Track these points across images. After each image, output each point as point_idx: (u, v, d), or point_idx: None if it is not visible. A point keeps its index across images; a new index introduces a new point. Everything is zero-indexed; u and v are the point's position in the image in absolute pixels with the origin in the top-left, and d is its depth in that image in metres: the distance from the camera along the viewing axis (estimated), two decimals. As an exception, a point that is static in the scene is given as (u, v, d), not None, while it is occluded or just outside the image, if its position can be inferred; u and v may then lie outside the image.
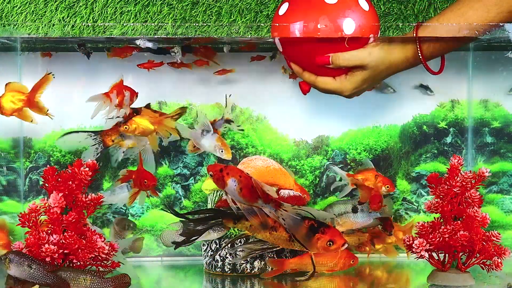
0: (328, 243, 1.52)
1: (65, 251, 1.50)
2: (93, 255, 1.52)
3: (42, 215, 1.52)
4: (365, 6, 1.57)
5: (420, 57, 1.54)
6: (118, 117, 1.77)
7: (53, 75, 1.68)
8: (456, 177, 1.61)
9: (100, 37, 1.82)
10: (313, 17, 1.53)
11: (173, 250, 1.86)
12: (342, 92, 1.59)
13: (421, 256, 1.61)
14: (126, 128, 1.74)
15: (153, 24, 1.85)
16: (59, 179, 1.54)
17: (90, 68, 1.91)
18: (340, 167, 1.96)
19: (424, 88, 1.96)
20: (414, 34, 1.54)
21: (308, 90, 1.65)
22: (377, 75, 1.57)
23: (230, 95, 1.86)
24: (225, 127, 1.87)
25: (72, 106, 1.92)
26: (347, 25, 1.53)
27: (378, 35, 1.59)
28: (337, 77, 1.58)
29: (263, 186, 1.50)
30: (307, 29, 1.53)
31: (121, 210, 1.95)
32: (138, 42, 1.70)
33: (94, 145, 1.79)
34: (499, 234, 1.60)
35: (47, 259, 1.49)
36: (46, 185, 1.55)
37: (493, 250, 1.59)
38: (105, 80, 1.84)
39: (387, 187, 1.78)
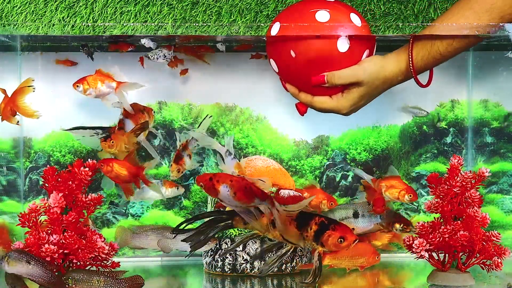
0: (339, 239, 1.50)
1: (65, 251, 1.50)
2: (93, 255, 1.52)
3: (42, 215, 1.52)
4: (357, 21, 1.55)
5: (412, 69, 1.54)
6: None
7: (33, 89, 1.67)
8: (456, 177, 1.61)
9: (105, 35, 1.82)
10: (306, 38, 1.51)
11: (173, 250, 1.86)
12: (340, 110, 1.58)
13: (421, 256, 1.61)
14: (112, 143, 1.74)
15: (153, 24, 1.85)
16: (59, 179, 1.54)
17: (90, 68, 1.91)
18: (340, 167, 1.97)
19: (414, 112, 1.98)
20: (410, 47, 1.53)
21: (305, 111, 1.63)
22: (373, 90, 1.56)
23: (210, 116, 1.84)
24: (195, 146, 1.84)
25: (72, 106, 1.92)
26: (341, 43, 1.52)
27: (374, 50, 1.58)
28: (333, 95, 1.57)
29: (256, 183, 1.48)
30: (300, 48, 1.52)
31: (121, 210, 1.95)
32: (143, 41, 1.70)
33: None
34: (499, 234, 1.60)
35: (47, 259, 1.49)
36: (46, 185, 1.55)
37: (493, 250, 1.59)
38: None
39: (410, 195, 1.76)
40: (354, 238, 1.50)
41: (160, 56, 1.79)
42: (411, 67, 1.53)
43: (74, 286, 1.47)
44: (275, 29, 1.56)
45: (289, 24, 1.53)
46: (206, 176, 1.47)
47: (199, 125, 1.82)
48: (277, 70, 1.60)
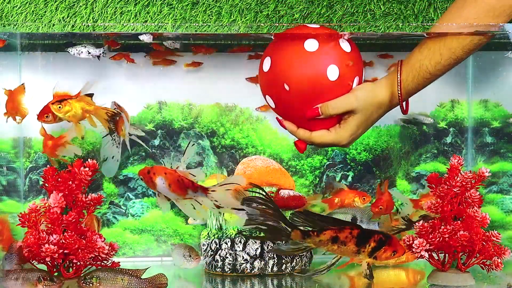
0: (393, 253, 1.58)
1: (65, 251, 1.50)
2: (93, 255, 1.52)
3: (42, 215, 1.52)
4: (347, 47, 1.53)
5: (399, 94, 1.54)
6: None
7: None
8: (456, 177, 1.61)
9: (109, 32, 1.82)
10: (297, 69, 1.50)
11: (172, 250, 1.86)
12: (340, 142, 1.57)
13: (421, 256, 1.61)
14: (59, 107, 1.69)
15: (153, 24, 1.86)
16: (59, 179, 1.54)
17: (91, 67, 1.91)
18: (340, 167, 1.97)
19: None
20: (399, 71, 1.54)
21: (305, 148, 1.61)
22: (368, 117, 1.56)
23: (193, 144, 1.82)
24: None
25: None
26: (331, 72, 1.50)
27: (363, 75, 1.57)
28: (331, 128, 1.56)
29: (187, 176, 1.55)
30: (292, 81, 1.50)
31: (121, 210, 1.95)
32: (141, 37, 1.69)
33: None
34: (499, 234, 1.60)
35: (47, 259, 1.50)
36: (46, 185, 1.55)
37: (493, 250, 1.59)
38: (106, 80, 1.85)
39: (364, 198, 1.83)
40: (404, 251, 1.60)
41: (82, 52, 1.78)
42: (398, 92, 1.54)
43: (98, 285, 1.47)
44: (266, 65, 1.54)
45: (279, 57, 1.52)
46: (145, 170, 1.56)
47: (184, 153, 1.72)
48: (273, 106, 1.58)
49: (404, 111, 1.57)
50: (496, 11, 1.46)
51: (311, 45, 1.51)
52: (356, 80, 1.54)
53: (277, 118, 1.61)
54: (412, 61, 1.54)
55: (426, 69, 1.52)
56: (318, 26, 1.56)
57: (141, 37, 1.65)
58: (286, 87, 1.51)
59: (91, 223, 1.70)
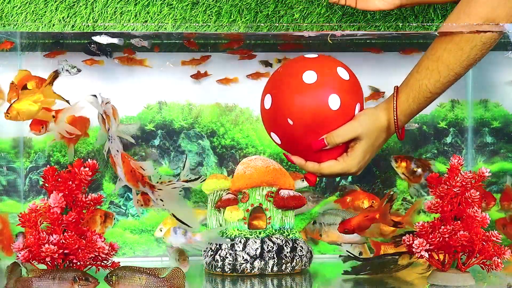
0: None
1: (65, 251, 1.50)
2: (93, 255, 1.52)
3: (42, 215, 1.52)
4: (345, 75, 1.53)
5: (395, 121, 1.55)
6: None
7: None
8: (456, 177, 1.61)
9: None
10: (299, 102, 1.49)
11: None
12: (349, 170, 1.57)
13: (421, 256, 1.61)
14: (8, 115, 1.69)
15: (153, 24, 1.86)
16: (59, 179, 1.54)
17: (91, 67, 1.91)
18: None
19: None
20: (395, 98, 1.55)
21: (315, 180, 1.61)
22: (374, 142, 1.56)
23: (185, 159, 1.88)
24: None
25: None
26: (332, 101, 1.50)
27: (363, 101, 1.58)
28: (339, 158, 1.56)
29: (139, 169, 1.62)
30: (295, 115, 1.50)
31: (121, 210, 1.95)
32: (133, 41, 1.69)
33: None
34: (499, 234, 1.60)
35: (47, 259, 1.50)
36: (46, 185, 1.55)
37: (493, 250, 1.59)
38: (106, 79, 1.85)
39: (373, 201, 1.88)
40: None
41: (64, 69, 1.80)
42: (395, 118, 1.54)
43: (117, 283, 1.47)
44: (267, 103, 1.54)
45: (279, 93, 1.52)
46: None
47: (183, 167, 1.78)
48: (279, 142, 1.58)
49: (400, 137, 1.58)
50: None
51: (309, 77, 1.50)
52: (357, 106, 1.54)
53: (284, 153, 1.61)
54: (411, 82, 1.54)
55: (426, 88, 1.52)
56: (317, 55, 1.56)
57: (97, 39, 1.66)
58: (290, 122, 1.51)
59: (95, 219, 1.73)
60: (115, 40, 1.67)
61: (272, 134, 1.57)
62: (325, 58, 1.56)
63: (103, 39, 1.65)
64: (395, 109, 1.54)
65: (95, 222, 1.77)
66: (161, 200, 1.63)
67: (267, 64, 1.94)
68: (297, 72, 1.51)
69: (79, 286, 1.46)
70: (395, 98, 1.55)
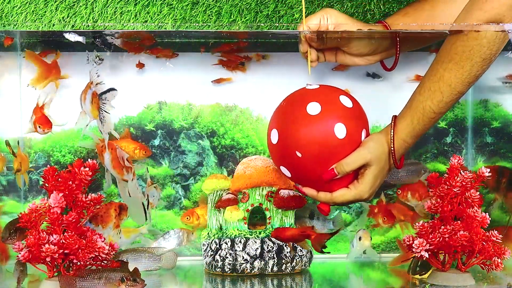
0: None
1: (65, 251, 1.50)
2: (93, 255, 1.52)
3: (42, 215, 1.52)
4: (348, 103, 1.54)
5: (392, 150, 1.56)
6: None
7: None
8: (456, 177, 1.61)
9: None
10: (305, 134, 1.51)
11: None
12: (362, 196, 1.58)
13: (421, 256, 1.61)
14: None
15: (153, 24, 1.86)
16: (59, 179, 1.54)
17: (91, 67, 1.91)
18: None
19: (372, 76, 1.96)
20: (392, 128, 1.56)
21: (329, 210, 1.61)
22: (383, 166, 1.57)
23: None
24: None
25: (72, 105, 1.91)
26: (338, 130, 1.51)
27: (369, 127, 1.59)
28: (350, 185, 1.57)
29: (124, 156, 1.73)
30: (303, 147, 1.51)
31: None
32: (67, 35, 1.67)
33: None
34: (499, 234, 1.60)
35: (47, 259, 1.50)
36: (46, 185, 1.55)
37: (493, 250, 1.59)
38: (106, 80, 1.84)
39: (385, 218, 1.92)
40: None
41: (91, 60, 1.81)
42: (392, 148, 1.56)
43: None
44: (274, 137, 1.56)
45: (285, 127, 1.54)
46: (100, 144, 1.74)
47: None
48: (290, 175, 1.59)
49: (398, 166, 1.59)
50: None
51: (313, 108, 1.51)
52: (363, 132, 1.55)
53: (295, 186, 1.62)
54: (414, 104, 1.55)
55: (430, 109, 1.53)
56: (318, 86, 1.58)
57: (66, 35, 1.65)
58: (298, 154, 1.52)
59: (109, 213, 1.77)
60: (80, 38, 1.67)
61: (282, 167, 1.58)
62: (326, 88, 1.57)
63: (71, 36, 1.65)
64: (392, 139, 1.56)
65: (109, 215, 1.78)
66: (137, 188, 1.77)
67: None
68: (301, 105, 1.52)
69: (127, 286, 1.46)
70: (392, 128, 1.57)
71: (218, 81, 1.93)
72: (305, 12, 1.91)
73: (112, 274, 1.47)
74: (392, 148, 1.56)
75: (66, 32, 1.65)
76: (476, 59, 1.48)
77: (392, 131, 1.56)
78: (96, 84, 1.70)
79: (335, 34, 1.63)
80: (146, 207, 1.82)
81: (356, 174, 1.57)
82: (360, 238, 1.86)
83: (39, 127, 1.77)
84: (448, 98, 1.52)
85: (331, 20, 1.62)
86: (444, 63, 1.51)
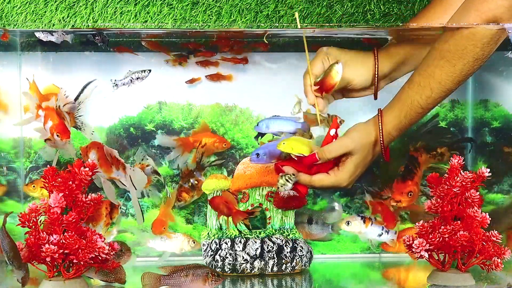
0: None
1: (65, 251, 1.50)
2: (93, 255, 1.52)
3: (42, 215, 1.52)
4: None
5: (381, 143, 1.58)
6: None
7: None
8: (456, 177, 1.61)
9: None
10: None
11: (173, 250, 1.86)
12: (340, 184, 1.60)
13: (421, 256, 1.61)
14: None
15: (153, 24, 1.86)
16: (59, 179, 1.54)
17: (91, 67, 1.91)
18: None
19: None
20: (380, 121, 1.58)
21: (306, 192, 1.65)
22: (365, 157, 1.60)
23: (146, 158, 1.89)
24: (155, 177, 1.88)
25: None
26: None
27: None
28: (330, 171, 1.60)
29: (112, 152, 1.76)
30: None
31: (121, 210, 1.94)
32: (37, 34, 1.66)
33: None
34: (499, 234, 1.60)
35: (47, 259, 1.50)
36: (46, 185, 1.55)
37: (492, 250, 1.59)
38: (103, 79, 1.85)
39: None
40: None
41: (134, 79, 1.82)
42: (381, 141, 1.58)
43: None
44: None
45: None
46: (84, 146, 1.78)
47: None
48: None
49: (386, 159, 1.61)
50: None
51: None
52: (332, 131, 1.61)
53: (276, 164, 1.64)
54: (403, 97, 1.56)
55: (418, 104, 1.54)
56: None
57: (37, 34, 1.64)
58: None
59: (100, 211, 1.78)
60: (53, 38, 1.67)
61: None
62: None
63: (43, 36, 1.65)
64: (381, 132, 1.57)
65: (100, 214, 1.78)
66: (131, 179, 1.78)
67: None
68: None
69: (212, 281, 1.49)
70: (380, 121, 1.58)
71: (190, 81, 1.92)
72: (304, 13, 1.91)
73: (198, 271, 1.49)
74: (381, 140, 1.57)
75: (38, 31, 1.65)
76: (469, 59, 1.48)
77: (380, 124, 1.57)
78: (64, 104, 1.76)
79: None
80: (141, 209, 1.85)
81: (337, 162, 1.60)
82: (348, 223, 1.87)
83: (57, 135, 1.74)
84: (437, 95, 1.53)
85: (331, 58, 1.63)
86: (436, 60, 1.51)
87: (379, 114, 1.59)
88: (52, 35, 1.64)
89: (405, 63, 1.68)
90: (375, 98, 1.68)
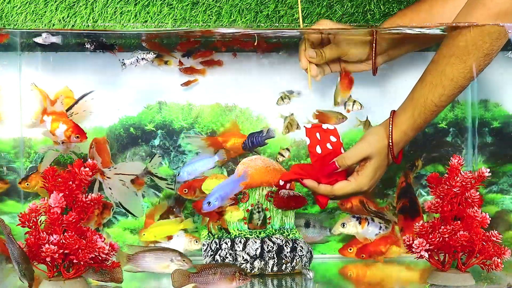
0: None
1: (65, 251, 1.50)
2: (93, 255, 1.52)
3: (42, 215, 1.52)
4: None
5: (390, 145, 1.58)
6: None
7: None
8: (456, 177, 1.61)
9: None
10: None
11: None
12: (361, 188, 1.60)
13: (421, 256, 1.61)
14: (27, 185, 1.82)
15: (153, 24, 1.86)
16: (59, 179, 1.54)
17: (91, 67, 1.91)
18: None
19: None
20: (390, 123, 1.58)
21: (326, 203, 1.65)
22: (383, 159, 1.60)
23: (159, 156, 1.90)
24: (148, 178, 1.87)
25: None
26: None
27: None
28: (350, 177, 1.61)
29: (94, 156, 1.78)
30: None
31: (121, 211, 1.94)
32: (40, 38, 1.70)
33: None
34: (499, 234, 1.60)
35: (47, 259, 1.50)
36: (46, 185, 1.55)
37: (493, 250, 1.59)
38: (106, 79, 1.85)
39: None
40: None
41: (139, 59, 1.82)
42: (390, 143, 1.58)
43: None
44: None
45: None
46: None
47: (150, 160, 1.86)
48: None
49: (397, 161, 1.62)
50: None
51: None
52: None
53: (298, 180, 1.65)
54: (416, 96, 1.56)
55: (432, 102, 1.54)
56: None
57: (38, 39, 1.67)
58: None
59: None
60: (53, 39, 1.70)
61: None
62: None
63: (39, 39, 1.69)
64: (390, 134, 1.58)
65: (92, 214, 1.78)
66: (109, 188, 1.77)
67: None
68: None
69: (239, 280, 1.50)
70: (390, 123, 1.58)
71: (186, 83, 1.92)
72: (304, 13, 1.91)
73: (226, 269, 1.50)
74: (390, 143, 1.57)
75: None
76: (479, 54, 1.48)
77: (390, 126, 1.58)
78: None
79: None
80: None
81: (348, 171, 1.61)
82: (343, 225, 1.86)
83: (77, 137, 1.76)
84: (449, 92, 1.53)
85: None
86: (446, 58, 1.51)
87: (391, 116, 1.59)
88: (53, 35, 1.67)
89: (404, 41, 1.68)
90: (374, 73, 1.69)
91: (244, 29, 1.85)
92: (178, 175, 1.74)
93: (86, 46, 1.82)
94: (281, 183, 1.68)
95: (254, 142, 1.79)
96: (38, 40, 1.70)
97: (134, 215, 1.86)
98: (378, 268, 1.83)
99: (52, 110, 1.76)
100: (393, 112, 1.59)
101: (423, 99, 1.55)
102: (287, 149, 1.90)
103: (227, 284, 1.50)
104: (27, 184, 1.81)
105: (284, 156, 1.88)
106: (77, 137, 1.75)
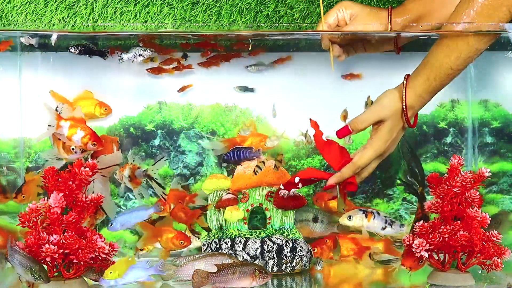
0: None
1: (65, 251, 1.50)
2: (93, 255, 1.52)
3: (42, 215, 1.52)
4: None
5: (404, 110, 1.55)
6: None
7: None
8: (456, 177, 1.61)
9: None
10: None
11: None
12: (380, 152, 1.57)
13: (421, 256, 1.61)
14: (23, 197, 1.81)
15: (153, 24, 1.86)
16: (59, 179, 1.54)
17: (91, 67, 1.91)
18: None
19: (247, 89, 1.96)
20: (404, 87, 1.55)
21: (357, 183, 1.61)
22: (397, 122, 1.57)
23: (166, 159, 1.90)
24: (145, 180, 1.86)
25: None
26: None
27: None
28: (365, 144, 1.58)
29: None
30: None
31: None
32: (22, 40, 1.69)
33: None
34: (499, 234, 1.60)
35: (47, 259, 1.50)
36: (46, 185, 1.55)
37: (492, 250, 1.59)
38: (106, 80, 1.85)
39: None
40: None
41: (137, 55, 1.81)
42: (404, 108, 1.54)
43: None
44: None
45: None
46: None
47: (154, 163, 1.85)
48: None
49: (411, 125, 1.58)
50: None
51: None
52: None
53: (324, 187, 1.63)
54: (431, 60, 1.53)
55: (448, 65, 1.52)
56: None
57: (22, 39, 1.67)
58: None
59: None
60: (32, 41, 1.69)
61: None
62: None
63: (25, 40, 1.68)
64: (404, 99, 1.54)
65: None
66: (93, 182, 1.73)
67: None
68: None
69: (259, 279, 1.50)
70: (404, 87, 1.55)
71: (182, 89, 1.92)
72: (305, 12, 1.91)
73: (245, 268, 1.50)
74: (404, 108, 1.55)
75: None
76: (494, 19, 1.46)
77: (404, 90, 1.55)
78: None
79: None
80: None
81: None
82: (350, 218, 1.84)
83: (94, 144, 1.74)
84: (466, 55, 1.51)
85: (346, 11, 1.64)
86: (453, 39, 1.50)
87: (405, 80, 1.56)
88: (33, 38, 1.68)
89: (421, 20, 1.66)
90: (397, 52, 1.68)
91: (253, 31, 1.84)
92: (111, 225, 1.73)
93: (70, 50, 1.81)
94: (297, 180, 1.64)
95: (241, 156, 1.78)
96: (23, 40, 1.70)
97: (106, 214, 1.83)
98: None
99: (71, 115, 1.75)
100: (407, 76, 1.57)
101: (439, 63, 1.52)
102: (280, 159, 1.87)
103: (246, 283, 1.49)
104: (23, 197, 1.80)
105: (261, 169, 1.82)
106: (94, 144, 1.73)
